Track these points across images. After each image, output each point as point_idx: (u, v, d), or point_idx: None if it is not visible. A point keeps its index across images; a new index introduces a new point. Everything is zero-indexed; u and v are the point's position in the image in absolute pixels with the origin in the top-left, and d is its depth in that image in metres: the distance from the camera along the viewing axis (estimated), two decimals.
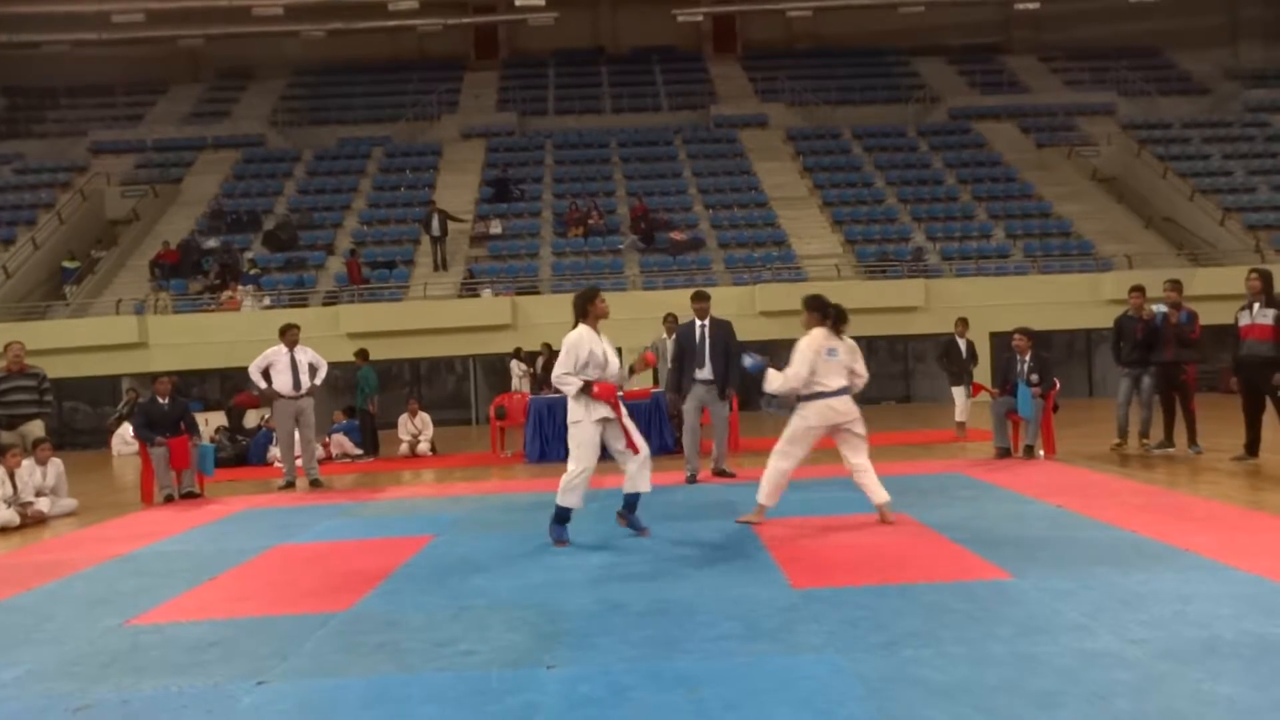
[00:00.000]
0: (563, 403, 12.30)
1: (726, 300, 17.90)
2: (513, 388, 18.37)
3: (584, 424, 6.17)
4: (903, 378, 22.25)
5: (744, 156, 28.11)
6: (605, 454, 6.33)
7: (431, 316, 20.93)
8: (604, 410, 6.18)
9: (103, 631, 4.68)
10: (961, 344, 12.78)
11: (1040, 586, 4.70)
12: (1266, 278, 8.94)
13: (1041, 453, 10.04)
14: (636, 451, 6.27)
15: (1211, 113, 30.76)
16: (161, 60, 33.56)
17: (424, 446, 13.78)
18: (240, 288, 21.75)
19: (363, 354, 14.42)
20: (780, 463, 6.56)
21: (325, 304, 21.62)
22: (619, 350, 7.34)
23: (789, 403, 6.52)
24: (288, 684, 3.77)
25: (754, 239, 24.19)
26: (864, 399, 6.80)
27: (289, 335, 10.46)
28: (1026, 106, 30.70)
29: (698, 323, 9.40)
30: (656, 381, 11.85)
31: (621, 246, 23.88)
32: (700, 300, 9.54)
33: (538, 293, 22.00)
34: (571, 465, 6.19)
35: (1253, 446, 8.97)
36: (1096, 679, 3.43)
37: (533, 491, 9.14)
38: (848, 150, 28.73)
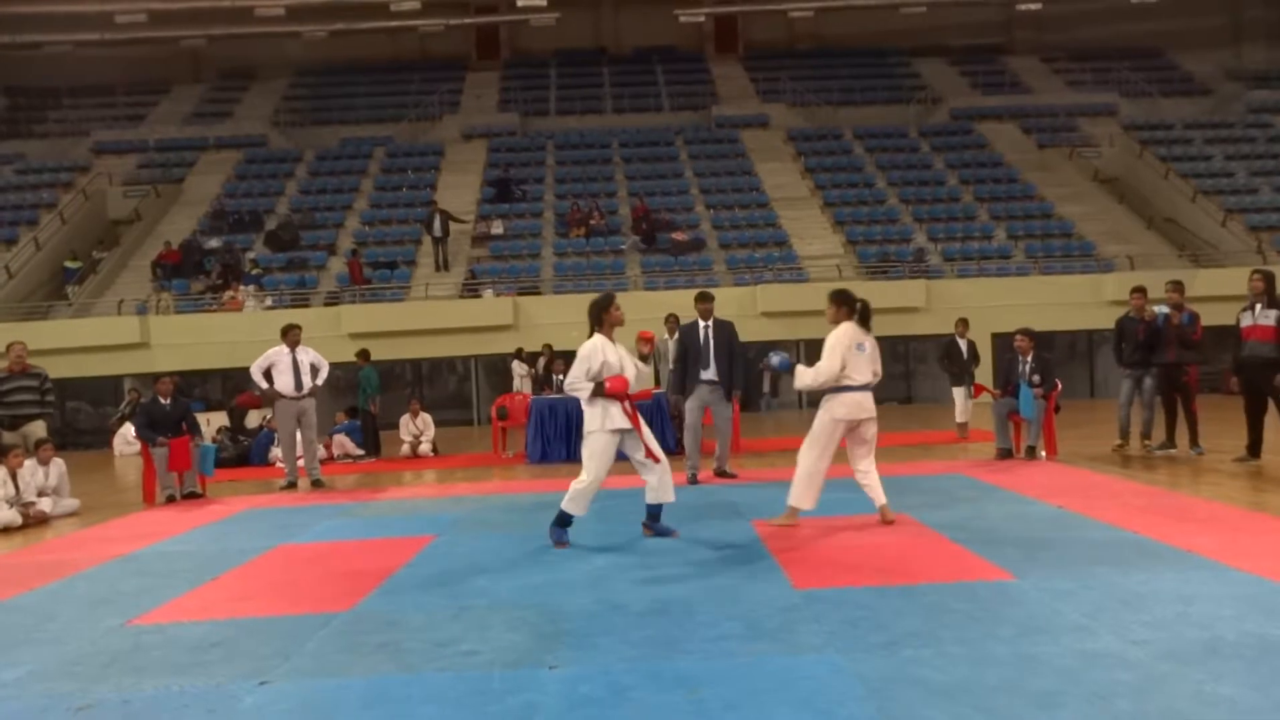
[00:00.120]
0: (564, 403, 12.35)
1: (728, 301, 17.89)
2: (514, 388, 18.37)
3: (599, 434, 6.14)
4: (904, 378, 22.24)
5: (745, 157, 28.11)
6: (621, 456, 6.32)
7: (433, 317, 20.93)
8: (621, 421, 6.14)
9: (104, 631, 4.69)
10: (962, 345, 12.79)
11: (1041, 587, 4.70)
12: (1269, 279, 8.93)
13: (1043, 454, 10.04)
14: (657, 461, 6.25)
15: (1213, 114, 30.73)
16: (163, 60, 33.59)
17: (425, 447, 13.78)
18: (242, 288, 21.76)
19: (364, 354, 14.43)
20: (812, 463, 6.46)
21: (327, 304, 21.62)
22: None
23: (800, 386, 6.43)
24: (289, 684, 3.78)
25: (755, 239, 24.19)
26: None
27: (291, 335, 10.46)
28: (1028, 107, 30.68)
29: (701, 323, 9.41)
30: (658, 382, 11.85)
31: (623, 247, 23.89)
32: (705, 301, 9.54)
33: (539, 293, 22.01)
34: (584, 474, 6.16)
35: (1254, 448, 8.96)
36: (1097, 679, 3.43)
37: (534, 492, 9.15)
38: (849, 151, 28.72)
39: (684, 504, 6.95)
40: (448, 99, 32.25)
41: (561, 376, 14.34)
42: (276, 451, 12.13)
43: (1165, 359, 9.89)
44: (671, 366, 10.30)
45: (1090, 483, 8.21)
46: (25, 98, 32.99)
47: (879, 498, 6.52)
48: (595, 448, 6.15)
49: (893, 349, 22.06)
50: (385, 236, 24.92)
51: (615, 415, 6.15)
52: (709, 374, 9.28)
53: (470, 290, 21.98)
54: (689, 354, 9.38)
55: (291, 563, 6.23)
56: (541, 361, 17.86)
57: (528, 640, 4.20)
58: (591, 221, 24.36)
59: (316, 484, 10.39)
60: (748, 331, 19.37)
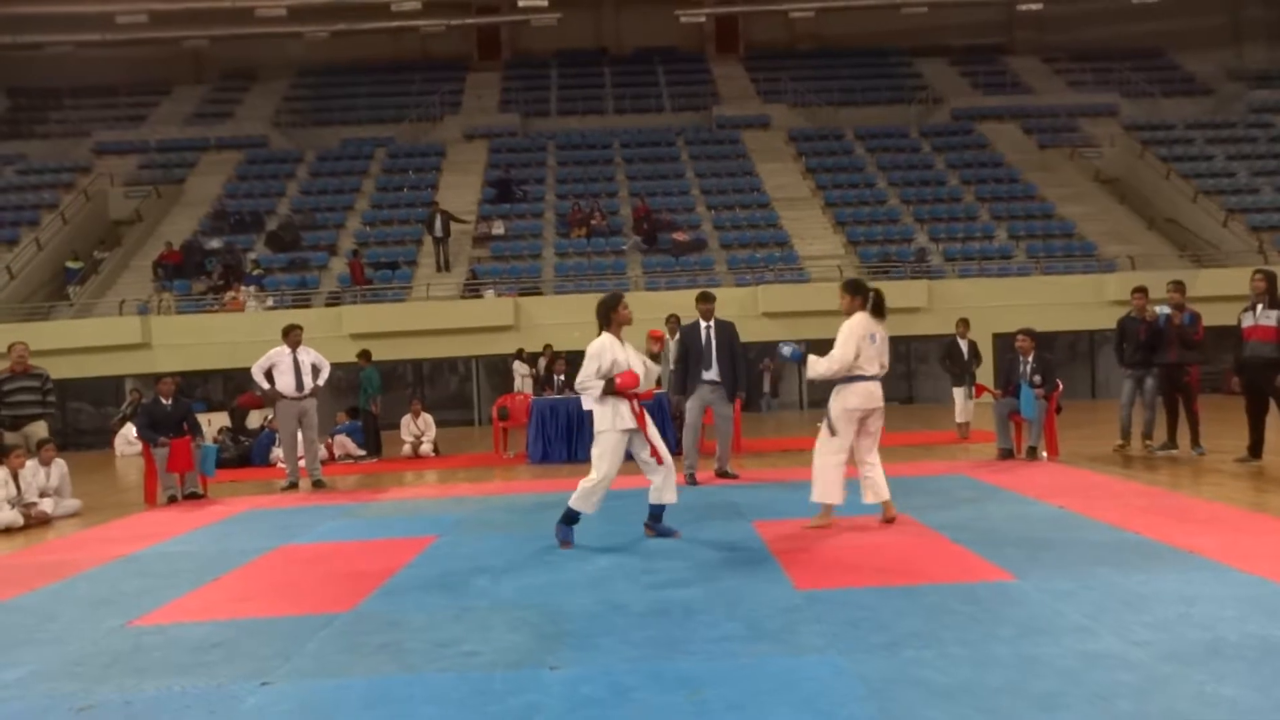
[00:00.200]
0: (565, 404, 12.35)
1: (729, 301, 17.90)
2: (515, 388, 18.37)
3: (609, 433, 6.15)
4: (905, 379, 22.23)
5: (746, 157, 28.11)
6: (628, 456, 6.32)
7: (434, 317, 20.94)
8: (629, 421, 6.15)
9: (106, 632, 4.69)
10: (963, 345, 12.79)
11: (1043, 588, 4.69)
12: (1271, 279, 8.93)
13: (1044, 454, 10.03)
14: (661, 461, 6.25)
15: (1215, 114, 30.72)
16: (165, 61, 33.62)
17: (426, 447, 13.78)
18: (243, 288, 21.77)
19: (365, 355, 14.44)
20: (828, 457, 6.41)
21: (328, 305, 21.63)
22: None
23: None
24: (290, 684, 3.78)
25: (756, 240, 24.19)
26: None
27: (292, 336, 10.46)
28: (1029, 107, 30.67)
29: (702, 324, 9.41)
30: (659, 382, 11.85)
31: (624, 247, 23.89)
32: (706, 301, 9.55)
33: (540, 294, 22.01)
34: (593, 473, 6.16)
35: (1256, 448, 8.95)
36: (1099, 680, 3.43)
37: (535, 492, 9.16)
38: (850, 151, 28.72)
39: (685, 504, 6.96)
40: (449, 99, 32.26)
41: (562, 377, 14.35)
42: (278, 452, 12.14)
43: (1167, 359, 9.88)
44: (673, 367, 10.29)
45: (1091, 483, 8.20)
46: (27, 98, 33.01)
47: (883, 492, 6.50)
48: (606, 446, 6.16)
49: (894, 349, 21.93)
50: (386, 237, 24.93)
51: (625, 414, 6.16)
52: (711, 374, 9.28)
53: (471, 291, 21.99)
54: (690, 354, 9.39)
55: (293, 563, 6.23)
56: (542, 362, 17.85)
57: (529, 641, 4.20)
58: (593, 222, 24.36)
59: (318, 484, 10.39)
60: (749, 332, 19.35)
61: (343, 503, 9.18)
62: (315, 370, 10.45)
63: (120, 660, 4.20)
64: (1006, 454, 10.15)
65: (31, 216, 25.69)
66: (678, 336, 10.31)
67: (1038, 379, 10.04)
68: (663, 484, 6.31)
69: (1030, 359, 10.17)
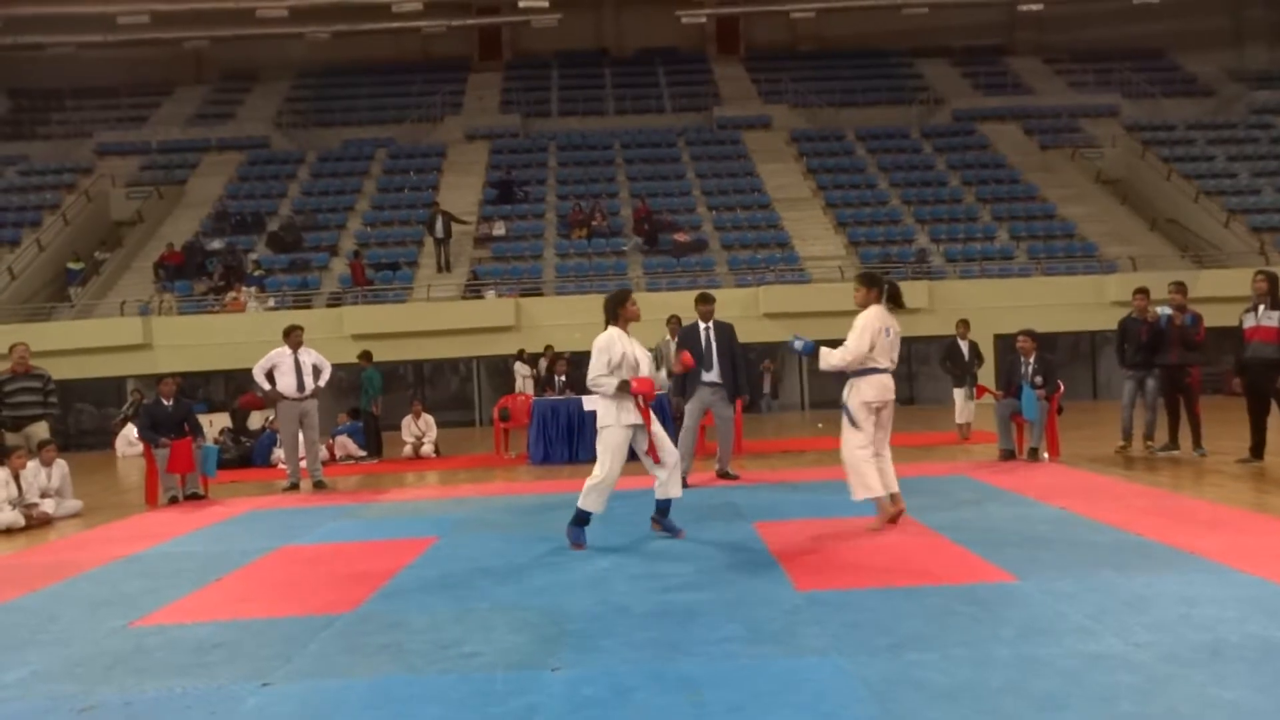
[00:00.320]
0: (565, 405, 12.33)
1: (730, 302, 17.91)
2: (516, 389, 18.37)
3: (614, 429, 6.14)
4: (906, 380, 22.22)
5: (747, 158, 28.12)
6: (631, 455, 6.32)
7: (435, 318, 20.95)
8: (634, 416, 6.14)
9: (107, 633, 4.69)
10: (963, 346, 12.78)
11: (1044, 589, 4.69)
12: (1272, 280, 8.92)
13: (1046, 455, 10.02)
14: (656, 459, 6.24)
15: (1216, 114, 30.72)
16: (166, 62, 33.66)
17: (427, 448, 13.78)
18: (244, 289, 21.78)
19: (366, 355, 14.45)
20: (856, 451, 6.37)
21: (329, 305, 21.64)
22: None
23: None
24: (292, 685, 3.78)
25: (757, 240, 24.19)
26: None
27: (293, 337, 10.46)
28: (1030, 108, 30.67)
29: (702, 325, 9.40)
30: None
31: (625, 248, 23.89)
32: (706, 302, 9.53)
33: (541, 294, 22.02)
34: (598, 470, 6.15)
35: (1258, 449, 8.95)
36: (1100, 682, 3.43)
37: (536, 493, 9.16)
38: (851, 152, 28.73)
39: (686, 505, 6.94)
40: (450, 100, 32.29)
41: (564, 378, 14.35)
42: (279, 453, 12.14)
43: (1168, 360, 9.88)
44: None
45: (1093, 484, 8.20)
46: (28, 99, 33.05)
47: (892, 484, 6.50)
48: (610, 443, 6.15)
49: None
50: (387, 238, 24.94)
51: (630, 409, 6.15)
52: (711, 376, 9.27)
53: (472, 291, 22.00)
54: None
55: (294, 564, 6.23)
56: (543, 363, 17.86)
57: (530, 642, 4.20)
58: (593, 223, 24.37)
59: (319, 485, 10.39)
60: (751, 333, 19.37)
61: (344, 504, 9.18)
62: (316, 371, 10.46)
63: (121, 661, 4.20)
64: (1008, 455, 10.15)
65: (33, 217, 25.72)
66: (675, 338, 10.30)
67: (1039, 380, 10.03)
68: (668, 479, 6.32)
69: (1031, 360, 10.16)
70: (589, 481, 6.17)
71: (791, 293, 20.90)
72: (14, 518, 8.37)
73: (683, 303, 14.34)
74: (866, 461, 6.36)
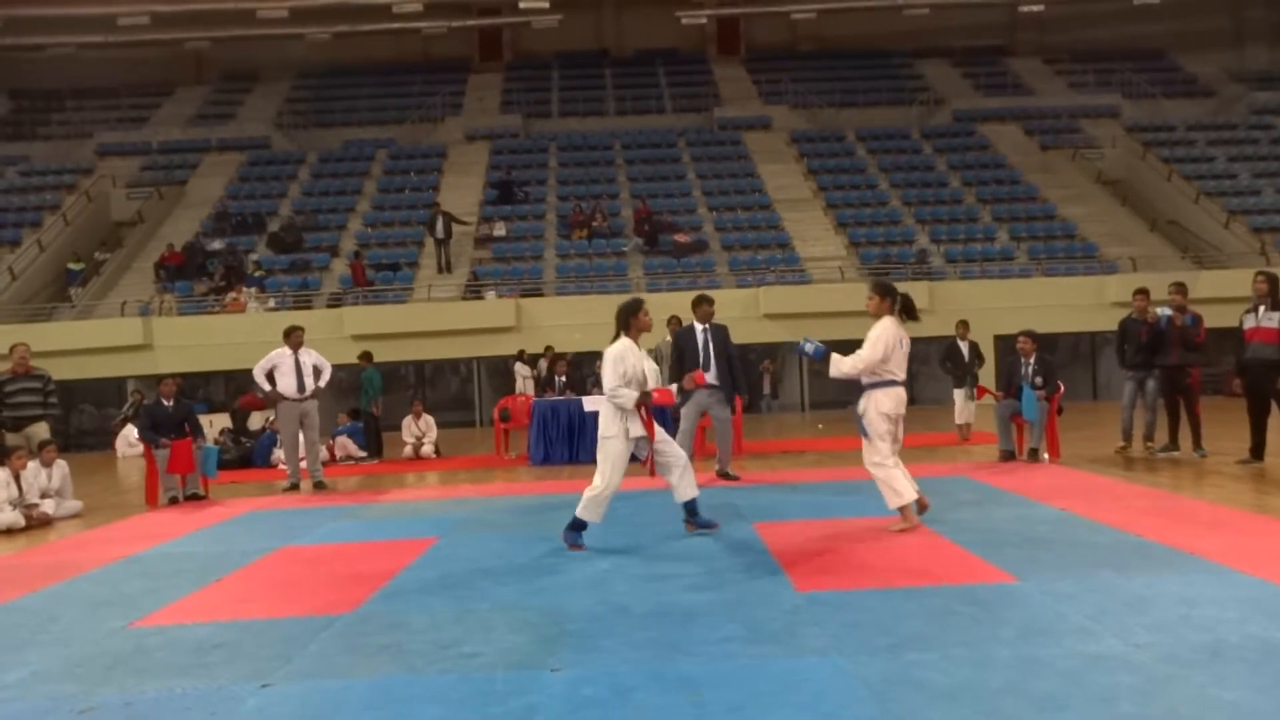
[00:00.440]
0: (566, 405, 12.33)
1: (731, 303, 17.90)
2: (516, 390, 18.38)
3: (617, 440, 6.14)
4: (906, 380, 22.17)
5: (748, 159, 28.12)
6: (632, 458, 6.32)
7: (435, 319, 20.95)
8: (639, 429, 6.14)
9: (107, 633, 4.69)
10: (963, 347, 12.79)
11: (1044, 589, 4.69)
12: (1273, 280, 8.92)
13: (1046, 456, 10.02)
14: (653, 473, 6.24)
15: (1216, 115, 30.72)
16: (166, 63, 33.68)
17: (428, 449, 13.78)
18: (245, 290, 21.79)
19: (367, 356, 14.45)
20: (883, 461, 6.35)
21: (329, 306, 21.64)
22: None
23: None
24: (292, 686, 3.78)
25: (758, 241, 24.18)
26: None
27: (293, 337, 10.46)
28: (1031, 109, 30.67)
29: (698, 326, 9.39)
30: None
31: (625, 249, 23.89)
32: (705, 304, 9.51)
33: (541, 295, 22.01)
34: (598, 479, 6.14)
35: (1258, 450, 8.95)
36: (1100, 682, 3.43)
37: (536, 494, 9.16)
38: (851, 152, 28.73)
39: None
40: (450, 101, 32.29)
41: (564, 378, 14.35)
42: (279, 453, 12.14)
43: (1168, 361, 9.87)
44: (670, 369, 10.28)
45: (1093, 485, 8.20)
46: (29, 100, 33.06)
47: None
48: (612, 453, 6.14)
49: None
50: (388, 238, 24.94)
51: (636, 423, 6.15)
52: (709, 378, 9.25)
53: (472, 292, 22.00)
54: (685, 358, 9.32)
55: (294, 564, 6.23)
56: (544, 363, 17.85)
57: (530, 642, 4.20)
58: (594, 223, 24.37)
59: (319, 486, 10.39)
60: (751, 333, 19.33)
61: (344, 504, 9.18)
62: (317, 371, 10.46)
63: (121, 661, 4.21)
64: (1008, 456, 10.15)
65: (34, 218, 25.73)
66: (672, 339, 10.29)
67: (1039, 380, 10.03)
68: (679, 482, 6.33)
69: (1032, 360, 10.16)
70: (588, 492, 6.15)
71: (792, 293, 20.89)
72: (14, 518, 8.37)
73: (683, 303, 14.30)
74: (895, 468, 6.38)
